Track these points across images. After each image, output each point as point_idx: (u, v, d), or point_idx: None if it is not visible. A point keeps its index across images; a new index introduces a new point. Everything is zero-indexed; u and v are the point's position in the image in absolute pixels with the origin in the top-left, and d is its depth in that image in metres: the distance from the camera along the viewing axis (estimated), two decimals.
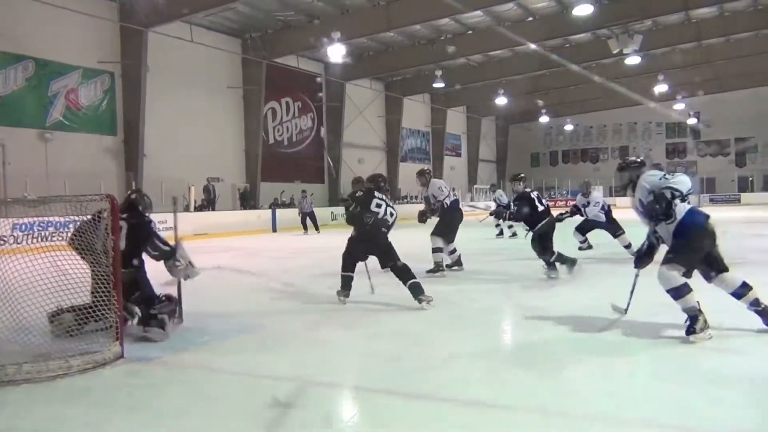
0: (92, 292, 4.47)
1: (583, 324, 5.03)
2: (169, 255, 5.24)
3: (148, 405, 3.48)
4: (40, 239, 7.91)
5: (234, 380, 3.89)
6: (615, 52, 24.04)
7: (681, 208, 4.38)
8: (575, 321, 5.16)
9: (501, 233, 14.61)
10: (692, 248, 4.35)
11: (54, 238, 7.40)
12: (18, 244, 9.28)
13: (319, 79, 27.31)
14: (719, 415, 3.04)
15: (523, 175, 8.44)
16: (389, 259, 5.99)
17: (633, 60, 25.40)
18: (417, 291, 5.81)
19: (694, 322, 4.26)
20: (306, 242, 15.63)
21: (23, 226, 9.16)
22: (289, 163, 26.06)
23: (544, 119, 40.49)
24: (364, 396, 3.60)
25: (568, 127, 43.62)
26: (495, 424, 3.05)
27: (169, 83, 20.26)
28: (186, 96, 20.97)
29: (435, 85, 27.97)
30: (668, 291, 4.29)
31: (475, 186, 39.32)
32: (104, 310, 4.29)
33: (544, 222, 7.74)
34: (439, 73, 27.41)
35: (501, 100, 31.70)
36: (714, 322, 4.40)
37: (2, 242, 5.42)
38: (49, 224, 8.95)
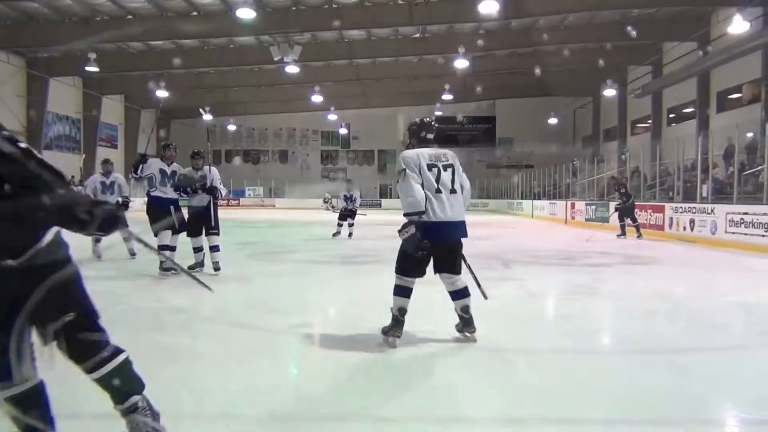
0: None
1: None
2: None
3: None
4: None
5: None
6: (276, 59, 25.11)
7: None
8: None
9: None
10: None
11: None
12: None
13: None
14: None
15: None
16: None
17: (292, 69, 26.73)
18: None
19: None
20: None
21: None
22: None
23: (207, 117, 39.74)
24: None
25: (231, 127, 43.98)
26: None
27: None
28: None
29: (88, 68, 25.57)
30: None
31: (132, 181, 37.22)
32: None
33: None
34: (93, 56, 25.17)
35: (162, 93, 30.46)
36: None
37: None
38: None
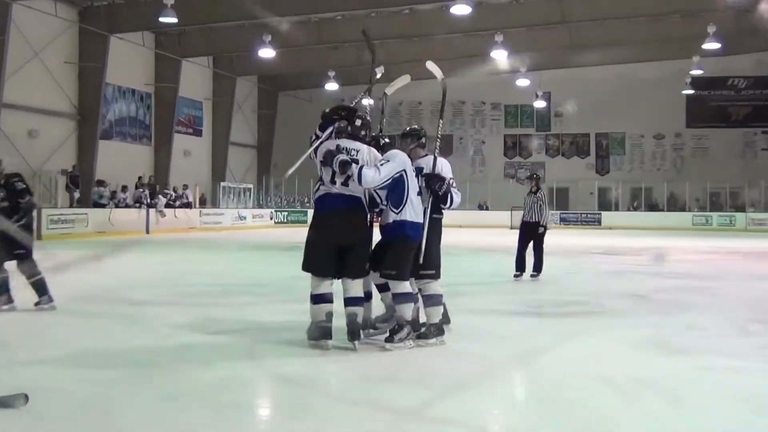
0: None
1: None
2: None
3: None
4: None
5: None
6: None
7: None
8: None
9: None
10: None
11: None
12: None
13: None
14: None
15: None
16: None
17: (461, 9, 26.75)
18: None
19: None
20: None
21: None
22: None
23: (331, 86, 40.21)
24: None
25: (368, 102, 44.28)
26: None
27: None
28: None
29: (163, 18, 26.85)
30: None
31: (222, 184, 38.48)
32: None
33: None
34: (169, 1, 26.59)
35: (267, 52, 31.67)
36: None
37: None
38: None
